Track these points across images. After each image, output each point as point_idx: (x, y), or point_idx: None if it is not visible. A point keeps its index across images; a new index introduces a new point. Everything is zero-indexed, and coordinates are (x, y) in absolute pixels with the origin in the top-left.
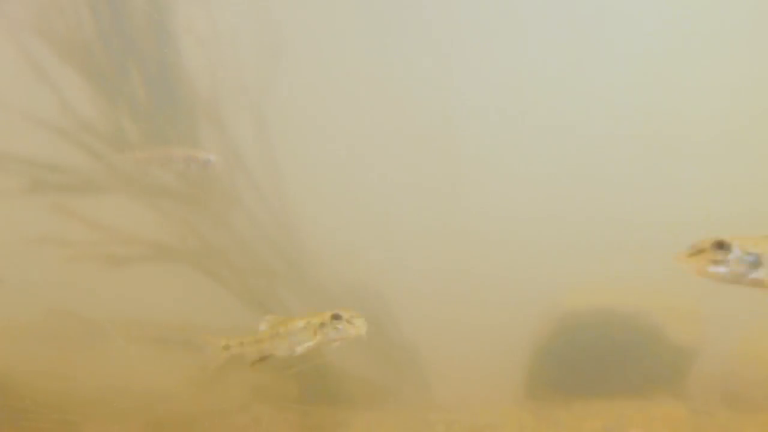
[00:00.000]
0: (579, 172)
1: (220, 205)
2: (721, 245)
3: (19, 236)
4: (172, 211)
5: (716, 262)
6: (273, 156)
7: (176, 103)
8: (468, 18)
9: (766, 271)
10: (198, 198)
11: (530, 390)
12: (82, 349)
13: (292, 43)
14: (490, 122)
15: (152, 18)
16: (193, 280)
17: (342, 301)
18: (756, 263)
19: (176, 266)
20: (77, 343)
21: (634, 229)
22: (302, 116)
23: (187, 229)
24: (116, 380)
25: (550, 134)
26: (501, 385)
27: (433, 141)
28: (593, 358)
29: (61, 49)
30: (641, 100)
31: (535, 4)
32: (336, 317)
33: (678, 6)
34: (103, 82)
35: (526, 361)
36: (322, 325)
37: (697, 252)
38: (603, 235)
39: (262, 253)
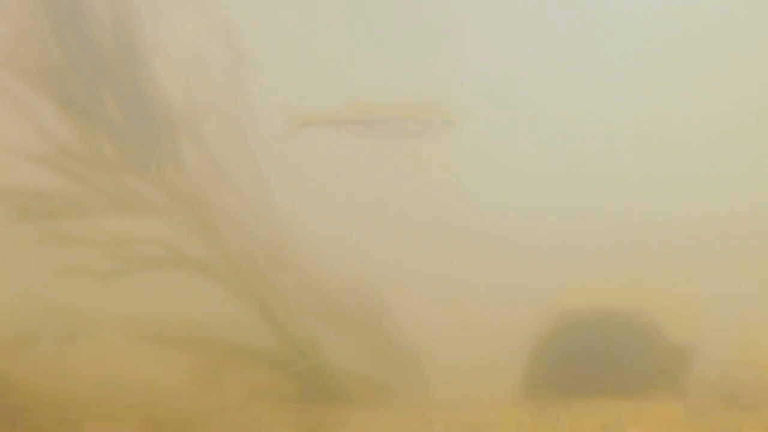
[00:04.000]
0: (579, 167)
1: (210, 214)
2: None
3: (20, 237)
4: (163, 223)
5: None
6: (258, 162)
7: (152, 119)
8: (462, 15)
9: None
10: (186, 209)
11: (529, 388)
12: (82, 348)
13: (267, 50)
14: (488, 115)
15: (120, 39)
16: (192, 278)
17: (341, 299)
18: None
19: (176, 266)
20: (77, 341)
21: (634, 228)
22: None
23: (182, 237)
24: (116, 379)
25: (549, 127)
26: (500, 384)
27: (430, 138)
28: (592, 356)
29: (31, 80)
30: (643, 95)
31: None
32: None
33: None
34: (76, 106)
35: (525, 359)
36: None
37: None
38: (603, 233)
39: (260, 254)
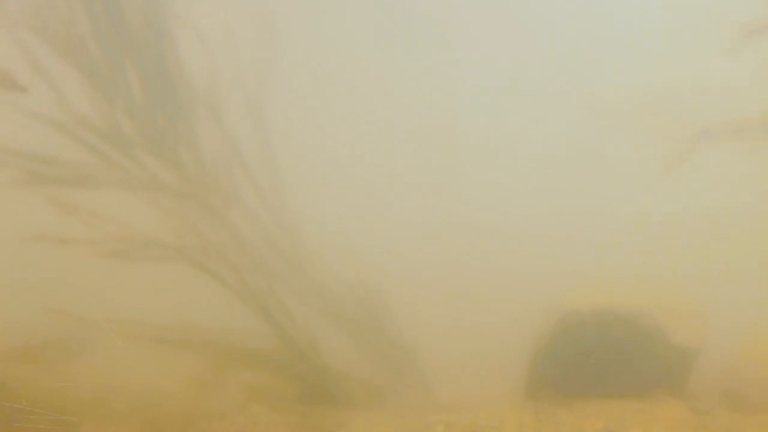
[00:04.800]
0: (581, 167)
1: (219, 203)
2: None
3: (17, 234)
4: (171, 208)
5: None
6: (272, 152)
7: (174, 99)
8: (469, 8)
9: None
10: (197, 194)
11: (531, 390)
12: (81, 350)
13: (291, 37)
14: (490, 116)
15: (148, 13)
16: (192, 279)
17: (342, 300)
18: None
19: (175, 265)
20: (75, 342)
21: (636, 228)
22: (302, 112)
23: (187, 227)
24: (114, 380)
25: (552, 126)
26: (501, 385)
27: (433, 136)
28: (594, 358)
29: (56, 46)
30: (645, 94)
31: None
32: None
33: None
34: (98, 78)
35: (527, 360)
36: None
37: None
38: (605, 233)
39: (261, 251)
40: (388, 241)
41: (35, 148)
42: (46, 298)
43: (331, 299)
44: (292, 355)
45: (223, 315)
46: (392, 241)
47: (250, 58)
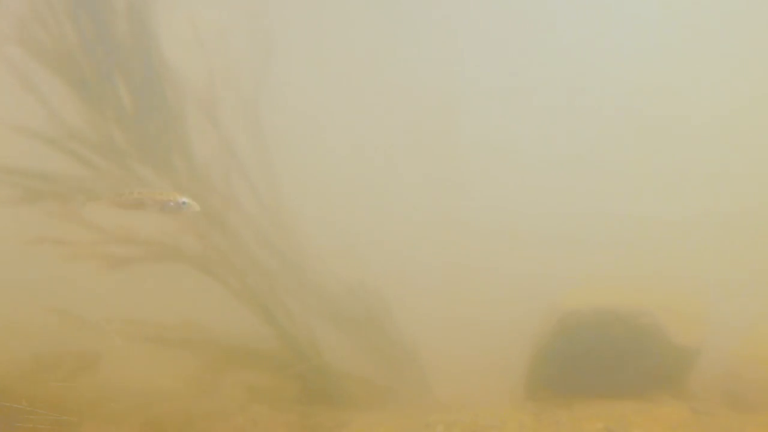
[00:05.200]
0: (581, 167)
1: (218, 204)
2: None
3: (17, 237)
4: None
5: None
6: (269, 155)
7: (165, 106)
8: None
9: None
10: (196, 197)
11: (531, 390)
12: (81, 350)
13: (285, 39)
14: (490, 117)
15: (135, 23)
16: (192, 279)
17: (342, 300)
18: None
19: (176, 265)
20: (75, 343)
21: (636, 228)
22: (298, 113)
23: (187, 228)
24: (114, 380)
25: (551, 128)
26: (501, 386)
27: (432, 136)
28: (594, 358)
29: (44, 60)
30: (645, 97)
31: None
32: None
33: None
34: (88, 90)
35: (527, 361)
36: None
37: None
38: (605, 233)
39: (261, 252)
40: (387, 242)
41: (30, 165)
42: (46, 299)
43: (331, 299)
44: (292, 355)
45: (223, 315)
46: (392, 241)
47: (246, 59)
